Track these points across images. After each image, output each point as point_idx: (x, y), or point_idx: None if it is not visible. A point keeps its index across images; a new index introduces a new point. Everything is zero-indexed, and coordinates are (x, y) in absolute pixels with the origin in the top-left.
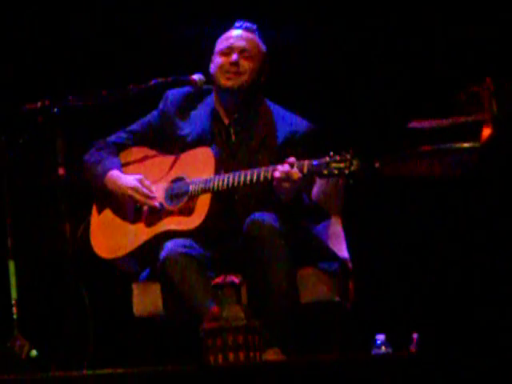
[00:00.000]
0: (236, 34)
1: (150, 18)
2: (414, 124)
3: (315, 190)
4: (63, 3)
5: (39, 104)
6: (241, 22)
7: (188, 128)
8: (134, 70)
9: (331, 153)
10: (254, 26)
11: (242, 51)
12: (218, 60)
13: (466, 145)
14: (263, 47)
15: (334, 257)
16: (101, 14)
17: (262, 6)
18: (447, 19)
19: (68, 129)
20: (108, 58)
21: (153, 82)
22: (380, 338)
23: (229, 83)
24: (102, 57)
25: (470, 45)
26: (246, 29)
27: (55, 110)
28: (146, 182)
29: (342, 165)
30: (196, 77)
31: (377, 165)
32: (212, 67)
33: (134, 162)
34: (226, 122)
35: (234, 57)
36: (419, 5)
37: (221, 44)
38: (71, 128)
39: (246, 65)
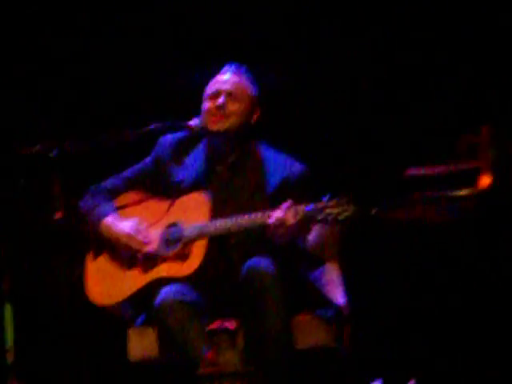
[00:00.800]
0: (223, 78)
1: (146, 62)
2: (411, 171)
3: (311, 235)
4: (61, 44)
5: (37, 147)
6: (229, 66)
7: (182, 174)
8: (131, 114)
9: (328, 196)
10: (243, 69)
11: (228, 94)
12: (205, 105)
13: (463, 192)
14: (252, 89)
15: (330, 303)
16: (99, 58)
17: (255, 49)
18: (443, 66)
19: (65, 173)
20: (106, 103)
21: (150, 127)
22: (377, 383)
23: (215, 127)
24: (100, 101)
25: (468, 93)
26: (234, 72)
27: (53, 153)
28: (142, 227)
29: (337, 210)
30: (193, 122)
31: (373, 211)
32: (201, 112)
33: (130, 206)
34: (220, 167)
35: (220, 100)
36: (414, 47)
37: (208, 89)
38: (68, 172)
39: (232, 107)
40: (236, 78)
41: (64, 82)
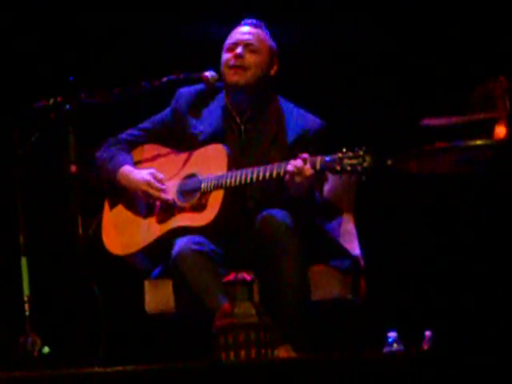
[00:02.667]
0: (242, 30)
1: (163, 15)
2: (427, 121)
3: (327, 187)
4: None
5: (51, 101)
6: (248, 20)
7: (200, 126)
8: (147, 66)
9: (344, 149)
10: (261, 22)
11: (246, 45)
12: (224, 56)
13: (479, 142)
14: (270, 41)
15: (346, 254)
16: (114, 11)
17: (275, 4)
18: (461, 17)
19: (80, 126)
20: (120, 55)
21: (165, 79)
22: (392, 335)
23: (234, 78)
24: (115, 54)
25: (485, 42)
26: (253, 24)
27: (67, 106)
28: (159, 175)
29: (354, 161)
30: (208, 74)
31: (389, 162)
32: (221, 65)
33: (147, 158)
34: (238, 119)
35: (239, 50)
36: (433, 2)
37: (227, 41)
38: (83, 125)
39: (251, 59)
40: (254, 30)
41: (79, 34)
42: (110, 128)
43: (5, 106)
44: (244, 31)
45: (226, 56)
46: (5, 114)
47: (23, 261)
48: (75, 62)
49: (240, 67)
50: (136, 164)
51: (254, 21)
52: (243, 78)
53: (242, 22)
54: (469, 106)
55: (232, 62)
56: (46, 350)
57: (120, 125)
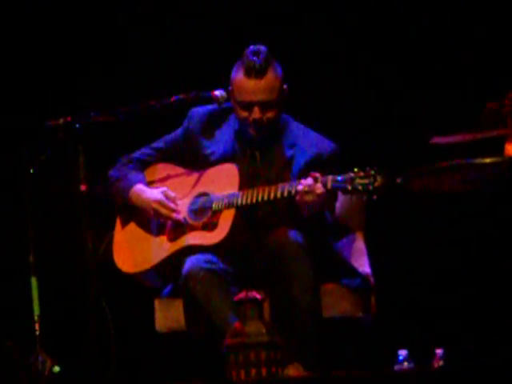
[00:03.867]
0: (250, 87)
1: (169, 35)
2: (436, 139)
3: (337, 205)
4: (85, 20)
5: (61, 120)
6: (250, 58)
7: (212, 147)
8: (155, 86)
9: (355, 169)
10: (263, 56)
11: (262, 104)
12: (239, 112)
13: (489, 160)
14: (278, 74)
15: (356, 272)
16: (123, 30)
17: (281, 21)
18: (473, 34)
19: (90, 145)
20: (130, 75)
21: (174, 98)
22: (402, 353)
23: (255, 133)
24: (124, 73)
25: (496, 59)
26: (258, 72)
27: (77, 126)
28: (171, 194)
29: (366, 181)
30: (218, 93)
31: (398, 180)
32: (234, 109)
33: (159, 177)
34: (251, 144)
35: (257, 115)
36: (443, 23)
37: (238, 95)
38: (93, 144)
39: (270, 115)
40: (263, 82)
41: (90, 53)
42: (119, 147)
43: (15, 124)
44: (256, 89)
45: (241, 113)
46: (15, 133)
47: (33, 280)
48: (85, 81)
49: (260, 126)
50: (149, 183)
51: (262, 60)
52: (265, 132)
53: (248, 66)
54: (479, 124)
55: (251, 123)
56: (57, 369)
57: (129, 144)
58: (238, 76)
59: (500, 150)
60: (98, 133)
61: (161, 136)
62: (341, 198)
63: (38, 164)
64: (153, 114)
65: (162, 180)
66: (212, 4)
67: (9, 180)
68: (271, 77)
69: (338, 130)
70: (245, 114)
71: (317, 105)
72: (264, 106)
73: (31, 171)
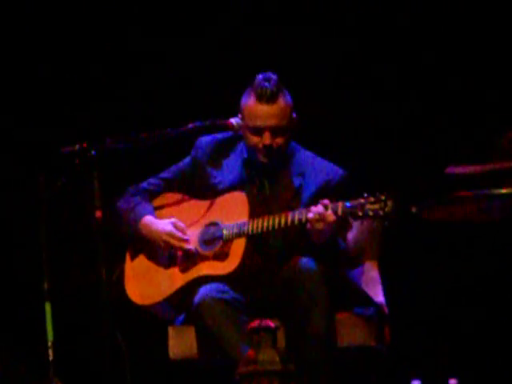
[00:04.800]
0: (261, 113)
1: (183, 62)
2: (452, 169)
3: (351, 234)
4: (100, 45)
5: (77, 146)
6: (261, 85)
7: (220, 176)
8: (171, 113)
9: (365, 194)
10: (273, 84)
11: (272, 130)
12: (249, 138)
13: (504, 191)
14: (289, 104)
15: (370, 301)
16: (139, 58)
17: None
18: (491, 60)
19: (106, 172)
20: (145, 101)
21: (190, 126)
22: (416, 383)
23: (265, 160)
24: (140, 100)
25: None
26: (269, 99)
27: (93, 152)
28: (180, 225)
29: (376, 206)
30: (233, 121)
31: (413, 210)
32: (244, 136)
33: (168, 207)
34: (259, 173)
35: (267, 141)
36: (455, 47)
37: (250, 120)
38: (109, 171)
39: (280, 141)
40: (274, 108)
41: (105, 80)
42: (133, 174)
43: (31, 150)
44: (267, 114)
45: (251, 138)
46: (31, 159)
47: (47, 306)
48: (101, 107)
49: (270, 152)
50: (157, 212)
51: (272, 86)
52: (274, 158)
53: (259, 92)
54: (495, 154)
55: (261, 148)
56: None
57: (145, 171)
58: (250, 102)
59: None
60: (114, 159)
61: (175, 162)
62: (355, 226)
63: (54, 190)
64: (168, 141)
65: (171, 210)
66: (224, 32)
67: (24, 205)
68: (282, 103)
69: (353, 158)
70: (255, 139)
71: (330, 132)
72: (275, 131)
73: (47, 197)
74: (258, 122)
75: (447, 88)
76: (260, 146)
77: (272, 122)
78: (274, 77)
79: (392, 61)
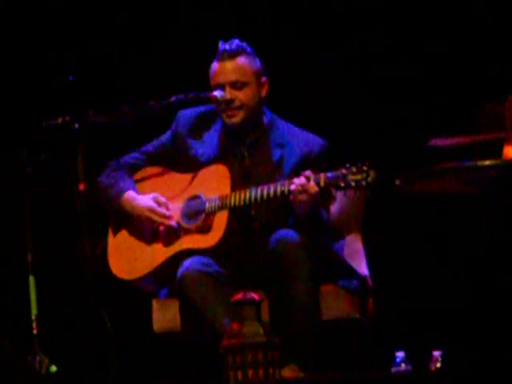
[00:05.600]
0: (220, 69)
1: (168, 34)
2: (435, 141)
3: (335, 207)
4: (85, 19)
5: (60, 120)
6: (222, 47)
7: (201, 148)
8: (154, 86)
9: (347, 165)
10: (240, 44)
11: (233, 84)
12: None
13: (487, 162)
14: (254, 64)
15: (354, 274)
16: (121, 30)
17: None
18: (472, 35)
19: (88, 144)
20: (128, 74)
21: (173, 99)
22: (400, 355)
23: (232, 120)
24: (122, 73)
25: (495, 60)
26: (229, 55)
27: (75, 125)
28: (162, 199)
29: (359, 176)
30: (217, 93)
31: (397, 182)
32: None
33: (149, 181)
34: (240, 145)
35: (228, 95)
36: (443, 20)
37: (212, 81)
38: (92, 144)
39: (241, 96)
40: (234, 62)
41: (87, 54)
42: (118, 146)
43: (13, 125)
44: (226, 69)
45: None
46: (13, 133)
47: (31, 279)
48: (83, 80)
49: (233, 109)
50: (139, 186)
51: (233, 46)
52: (239, 117)
53: (220, 50)
54: (477, 126)
55: (223, 107)
56: (54, 369)
57: (128, 143)
58: (212, 64)
59: (498, 153)
60: (97, 132)
61: (158, 135)
62: (338, 198)
63: (37, 164)
64: (152, 114)
65: (153, 184)
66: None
67: (7, 180)
68: (243, 60)
69: (339, 130)
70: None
71: (314, 103)
72: (234, 85)
73: (29, 171)
74: (218, 79)
75: (429, 60)
76: (223, 103)
77: (231, 76)
78: (236, 40)
79: (377, 27)
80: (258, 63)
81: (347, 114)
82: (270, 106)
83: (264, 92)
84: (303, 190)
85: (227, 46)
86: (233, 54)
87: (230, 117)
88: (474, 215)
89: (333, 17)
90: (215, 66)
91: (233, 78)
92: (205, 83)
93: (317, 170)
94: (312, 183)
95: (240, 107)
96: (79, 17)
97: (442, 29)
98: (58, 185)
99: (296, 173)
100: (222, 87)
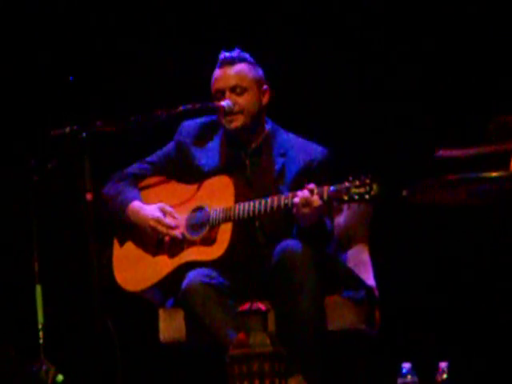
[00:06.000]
0: (221, 75)
1: (178, 46)
2: (442, 152)
3: (342, 217)
4: (92, 27)
5: (67, 129)
6: (223, 56)
7: (204, 158)
8: (162, 96)
9: (350, 177)
10: (241, 53)
11: (233, 89)
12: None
13: (494, 174)
14: (254, 71)
15: (361, 285)
16: (129, 40)
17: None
18: (481, 49)
19: (96, 154)
20: (136, 84)
21: (181, 108)
22: (406, 366)
23: (232, 125)
24: (130, 83)
25: (504, 74)
26: (232, 61)
27: (83, 135)
28: (168, 209)
29: (362, 190)
30: (224, 103)
31: (405, 193)
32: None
33: (154, 191)
34: (242, 154)
35: (227, 98)
36: (451, 33)
37: (212, 87)
38: (99, 153)
39: (240, 101)
40: (235, 68)
41: (95, 64)
42: (124, 157)
43: (22, 133)
44: (226, 75)
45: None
46: (21, 142)
47: (38, 288)
48: (92, 90)
49: (233, 114)
50: (143, 196)
51: (234, 54)
52: (239, 122)
53: (220, 58)
54: (485, 137)
55: (224, 114)
56: (60, 378)
57: (136, 153)
58: (213, 72)
59: (506, 164)
60: (105, 142)
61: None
62: (344, 209)
63: (44, 173)
64: (159, 124)
65: (157, 193)
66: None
67: (15, 189)
68: (242, 66)
69: (343, 141)
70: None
71: (318, 113)
72: (234, 90)
73: (37, 180)
74: (218, 84)
75: (438, 71)
76: (223, 110)
77: (231, 81)
78: (237, 50)
79: (383, 38)
80: (259, 71)
81: (354, 125)
82: (274, 116)
83: (265, 100)
84: (307, 203)
85: (228, 54)
86: (233, 61)
87: (230, 122)
88: (481, 227)
89: (341, 27)
90: (216, 73)
91: (232, 82)
92: (208, 94)
93: (319, 178)
94: (315, 196)
95: (240, 112)
96: (85, 25)
97: (454, 40)
98: (65, 194)
99: (298, 182)
100: (222, 92)
